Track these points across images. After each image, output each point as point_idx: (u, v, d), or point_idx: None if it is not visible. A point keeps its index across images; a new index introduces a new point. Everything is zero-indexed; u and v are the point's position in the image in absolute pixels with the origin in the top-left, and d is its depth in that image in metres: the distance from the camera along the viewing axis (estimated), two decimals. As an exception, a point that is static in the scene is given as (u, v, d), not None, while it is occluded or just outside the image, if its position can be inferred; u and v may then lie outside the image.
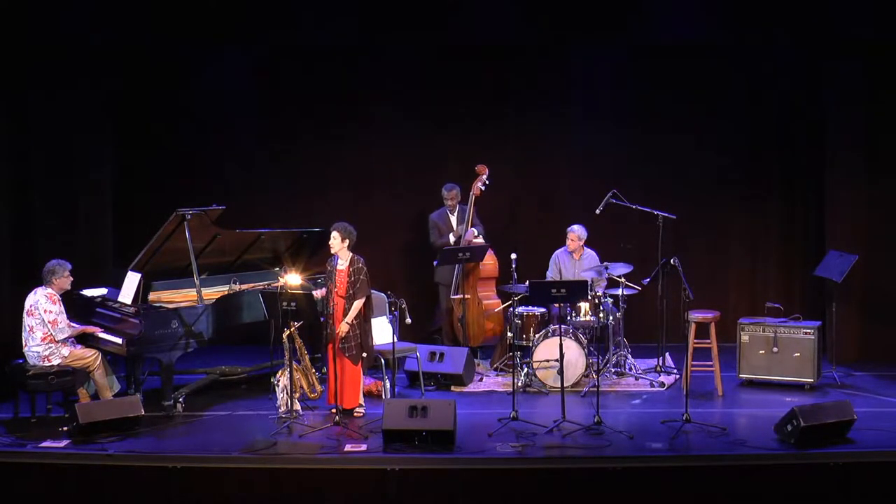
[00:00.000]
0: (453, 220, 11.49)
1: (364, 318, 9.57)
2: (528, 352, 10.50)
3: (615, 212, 11.10)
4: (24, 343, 9.59)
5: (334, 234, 9.48)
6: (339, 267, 9.53)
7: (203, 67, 12.18)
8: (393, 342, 9.89)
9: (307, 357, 9.78)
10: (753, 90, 12.09)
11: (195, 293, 9.98)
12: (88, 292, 10.26)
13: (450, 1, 11.60)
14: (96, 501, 8.41)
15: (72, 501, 8.41)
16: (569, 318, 10.54)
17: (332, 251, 9.53)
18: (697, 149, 12.16)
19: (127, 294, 9.89)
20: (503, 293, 11.14)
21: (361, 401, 9.65)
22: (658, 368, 10.89)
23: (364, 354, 9.59)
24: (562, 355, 9.66)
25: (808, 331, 10.34)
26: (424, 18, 11.53)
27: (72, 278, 9.70)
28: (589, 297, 10.39)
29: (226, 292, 10.34)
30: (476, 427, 9.15)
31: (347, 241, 9.50)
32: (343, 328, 9.43)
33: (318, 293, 9.64)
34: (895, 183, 11.32)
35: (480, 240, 11.35)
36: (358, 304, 9.46)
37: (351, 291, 9.46)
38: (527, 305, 10.72)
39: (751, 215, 12.30)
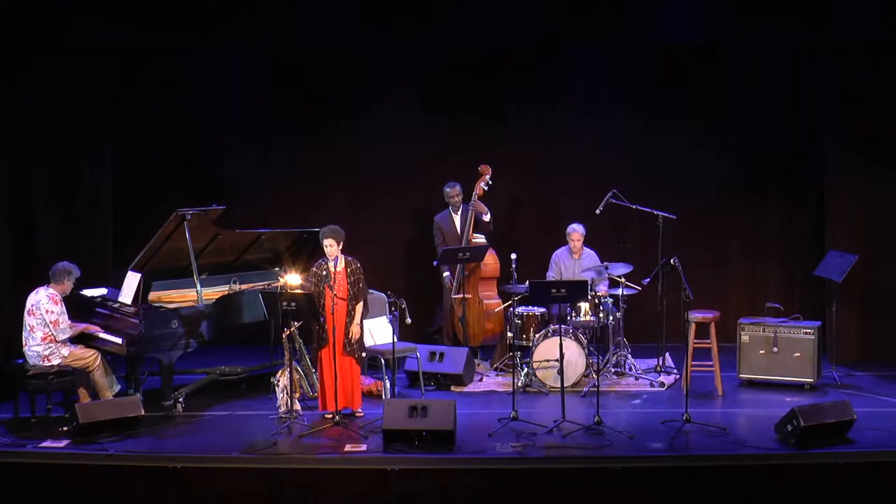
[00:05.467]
0: (457, 219, 11.46)
1: (361, 317, 9.58)
2: (528, 352, 10.50)
3: (615, 212, 11.10)
4: (24, 343, 9.59)
5: (329, 241, 9.37)
6: (335, 269, 9.49)
7: (203, 67, 12.19)
8: (393, 342, 9.88)
9: (307, 357, 9.78)
10: (753, 90, 12.09)
11: (195, 293, 9.98)
12: (88, 292, 10.25)
13: (450, 1, 11.60)
14: (96, 501, 8.40)
15: (72, 501, 8.41)
16: (569, 318, 10.53)
17: (332, 257, 9.46)
18: (697, 148, 12.15)
19: (127, 294, 9.90)
20: (503, 293, 11.14)
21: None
22: (658, 368, 10.89)
23: (363, 354, 9.63)
24: (562, 355, 9.66)
25: (808, 331, 10.34)
26: (424, 18, 11.51)
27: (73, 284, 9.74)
28: (589, 297, 10.39)
29: (226, 292, 10.34)
30: (476, 427, 9.15)
31: (342, 242, 9.48)
32: (355, 330, 9.42)
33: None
34: (895, 183, 11.33)
35: (482, 239, 11.35)
36: (361, 306, 9.46)
37: (352, 292, 9.44)
38: (527, 305, 10.72)
39: (751, 215, 12.30)
